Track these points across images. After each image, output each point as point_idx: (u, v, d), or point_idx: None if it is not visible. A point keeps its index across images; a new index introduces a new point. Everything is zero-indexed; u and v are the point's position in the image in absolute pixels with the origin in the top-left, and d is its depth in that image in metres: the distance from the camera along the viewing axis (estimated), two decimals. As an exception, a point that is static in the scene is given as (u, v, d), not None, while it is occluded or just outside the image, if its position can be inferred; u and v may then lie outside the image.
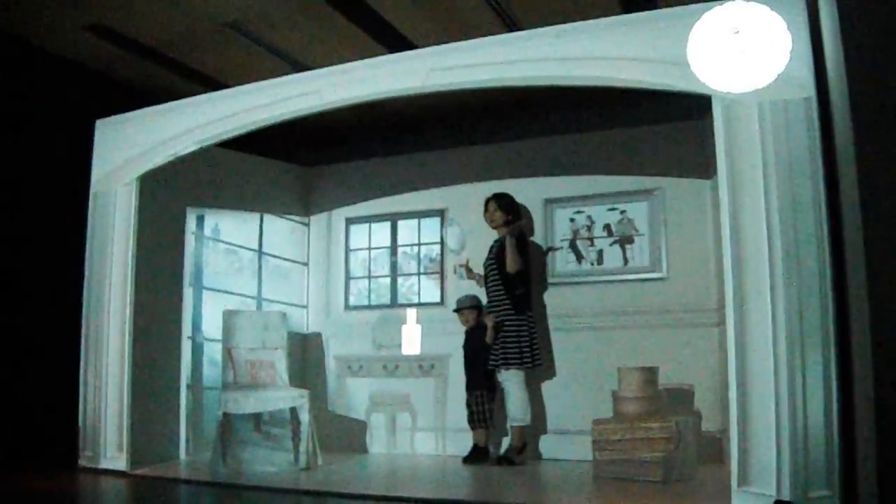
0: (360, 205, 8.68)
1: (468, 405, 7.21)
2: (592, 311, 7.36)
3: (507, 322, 6.91)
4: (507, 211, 7.22)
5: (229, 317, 7.31)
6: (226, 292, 7.92)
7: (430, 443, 7.87)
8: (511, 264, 6.96)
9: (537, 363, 6.95)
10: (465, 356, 7.38)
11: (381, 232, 8.63)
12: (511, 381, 6.89)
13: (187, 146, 6.59)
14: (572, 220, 7.58)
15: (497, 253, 7.13)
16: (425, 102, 7.30)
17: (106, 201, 6.83)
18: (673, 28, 4.99)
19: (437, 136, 8.59)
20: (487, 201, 7.32)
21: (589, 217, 7.52)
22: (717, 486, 5.22)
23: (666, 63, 4.99)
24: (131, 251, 6.62)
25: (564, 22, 5.43)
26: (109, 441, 6.51)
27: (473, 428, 7.16)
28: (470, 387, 7.25)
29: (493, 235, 7.30)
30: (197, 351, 7.60)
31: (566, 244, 7.59)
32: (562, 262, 7.57)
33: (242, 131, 6.45)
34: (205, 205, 7.80)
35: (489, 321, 7.07)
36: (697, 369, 6.81)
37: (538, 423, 7.24)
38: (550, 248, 7.62)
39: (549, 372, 7.34)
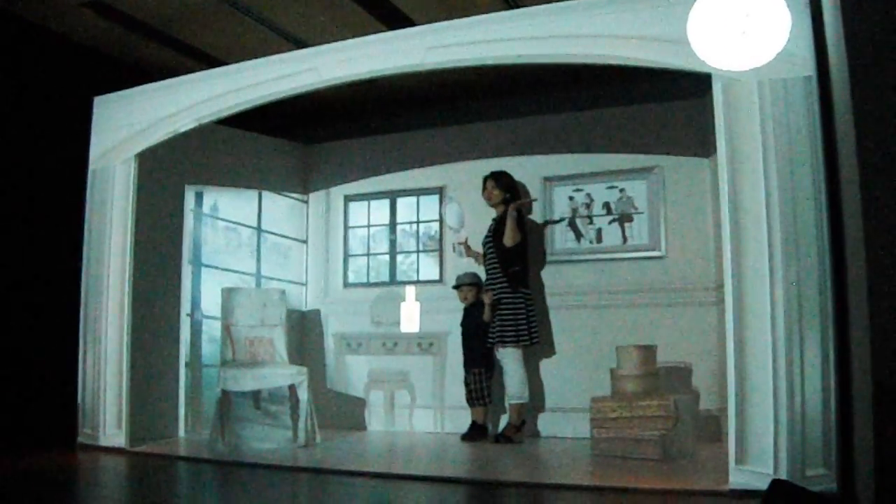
0: (358, 182, 8.68)
1: (466, 383, 7.23)
2: (591, 289, 7.37)
3: (503, 299, 6.93)
4: (504, 189, 7.22)
5: (228, 294, 7.32)
6: (225, 270, 7.93)
7: (429, 420, 7.90)
8: (508, 238, 6.97)
9: (535, 340, 6.96)
10: (463, 334, 7.40)
11: (380, 209, 8.63)
12: (509, 359, 6.91)
13: (186, 123, 6.56)
14: (571, 198, 7.57)
15: (495, 230, 7.13)
16: (424, 80, 7.29)
17: (104, 178, 6.81)
18: (673, 6, 4.96)
19: (436, 114, 8.58)
20: (485, 179, 7.32)
21: (588, 195, 7.52)
22: (714, 464, 5.24)
23: (666, 41, 4.97)
24: (130, 228, 6.61)
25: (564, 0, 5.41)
26: (109, 418, 6.52)
27: (472, 406, 7.18)
28: (468, 364, 7.28)
29: (492, 213, 7.30)
30: (196, 328, 7.61)
31: (565, 222, 7.57)
32: (560, 239, 7.57)
33: (241, 108, 6.42)
34: (204, 182, 7.79)
35: (486, 298, 7.08)
36: (696, 348, 6.83)
37: (536, 400, 7.27)
38: (548, 221, 7.61)
39: (548, 350, 7.35)
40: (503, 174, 7.29)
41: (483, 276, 7.35)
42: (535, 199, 7.48)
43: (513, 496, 4.93)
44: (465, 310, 7.43)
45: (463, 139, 8.17)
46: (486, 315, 7.05)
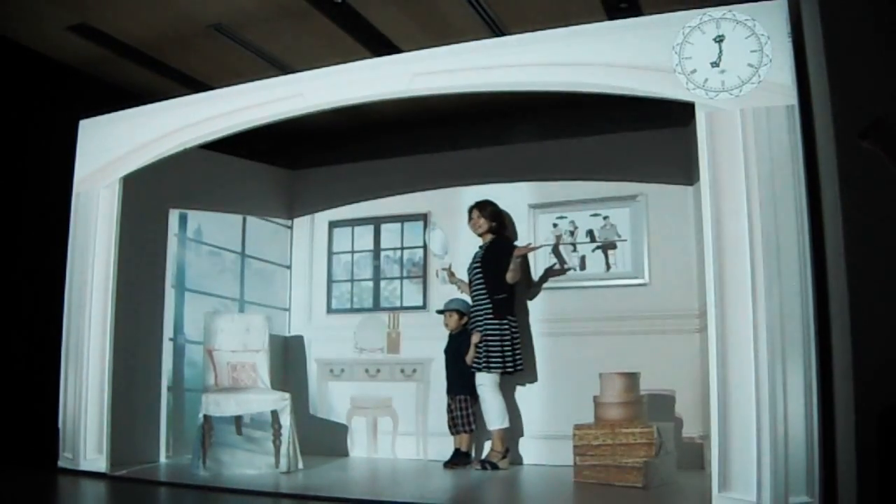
0: (343, 208, 8.66)
1: (449, 409, 7.20)
2: (574, 316, 7.36)
3: (489, 326, 6.91)
4: (490, 218, 7.24)
5: (211, 319, 7.29)
6: (208, 294, 7.90)
7: (412, 447, 7.85)
8: (510, 277, 6.98)
9: (519, 368, 6.94)
10: (447, 360, 7.37)
11: (365, 235, 8.61)
12: (485, 385, 6.89)
13: (171, 147, 6.57)
14: (555, 225, 7.58)
15: (483, 258, 7.14)
16: (409, 106, 7.32)
17: (88, 202, 6.81)
18: (656, 35, 5.02)
19: (421, 140, 8.58)
20: (471, 209, 7.33)
21: (572, 222, 7.52)
22: (697, 492, 5.24)
23: (649, 70, 5.01)
24: (113, 252, 6.59)
25: (549, 28, 5.45)
26: (89, 442, 6.49)
27: (455, 432, 7.14)
28: (452, 391, 7.24)
29: (477, 239, 7.31)
30: (178, 353, 7.57)
31: (549, 249, 7.58)
32: (544, 267, 7.56)
33: (226, 133, 6.44)
34: (188, 206, 7.78)
35: (475, 338, 7.06)
36: (679, 375, 6.82)
37: (518, 427, 7.26)
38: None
39: (531, 376, 7.32)
40: (489, 203, 7.31)
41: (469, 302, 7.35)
42: (539, 247, 7.42)
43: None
44: (450, 336, 7.41)
45: (447, 166, 8.18)
46: (469, 357, 7.06)
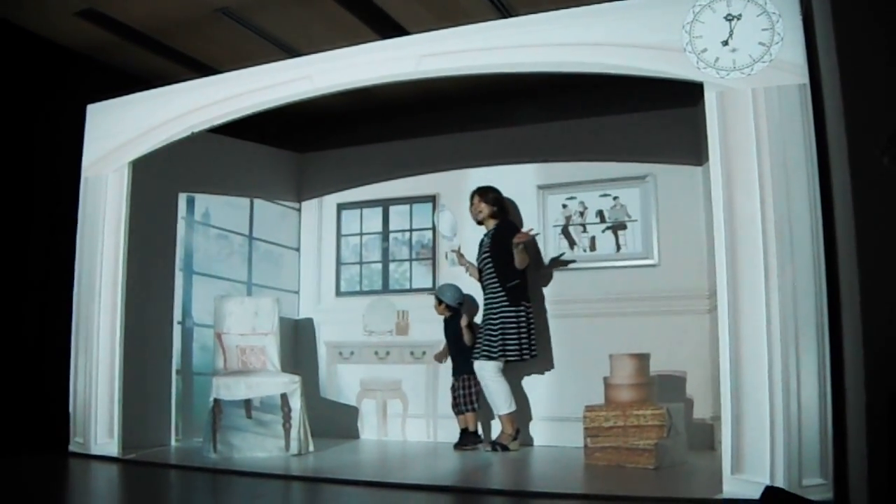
0: (351, 190, 8.66)
1: (453, 389, 7.20)
2: (584, 297, 7.34)
3: (504, 314, 6.89)
4: (491, 203, 7.21)
5: (220, 302, 7.30)
6: (216, 277, 7.91)
7: (421, 429, 7.87)
8: (519, 263, 6.89)
9: (533, 354, 6.94)
10: (448, 342, 7.39)
11: (373, 218, 8.61)
12: (486, 372, 6.88)
13: (179, 131, 6.56)
14: (565, 205, 7.56)
15: (490, 246, 7.11)
16: (417, 88, 7.28)
17: (97, 186, 6.81)
18: (666, 14, 4.98)
19: (429, 122, 8.56)
20: (472, 195, 7.31)
21: (582, 203, 7.51)
22: (708, 474, 5.22)
23: (659, 49, 4.98)
24: (122, 236, 6.60)
25: (557, 8, 5.41)
26: (100, 426, 6.51)
27: (461, 412, 7.14)
28: (457, 371, 7.25)
29: (485, 221, 7.31)
30: (187, 336, 7.59)
31: (559, 230, 7.56)
32: (554, 248, 7.55)
33: (234, 117, 6.43)
34: (197, 190, 7.78)
35: (463, 321, 7.12)
36: (689, 356, 6.81)
37: (528, 409, 7.27)
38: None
39: (544, 358, 7.30)
40: (490, 189, 7.28)
41: (465, 289, 7.40)
42: (538, 233, 7.31)
43: (507, 504, 4.92)
44: (444, 320, 7.43)
45: (456, 147, 8.16)
46: (467, 339, 7.08)
